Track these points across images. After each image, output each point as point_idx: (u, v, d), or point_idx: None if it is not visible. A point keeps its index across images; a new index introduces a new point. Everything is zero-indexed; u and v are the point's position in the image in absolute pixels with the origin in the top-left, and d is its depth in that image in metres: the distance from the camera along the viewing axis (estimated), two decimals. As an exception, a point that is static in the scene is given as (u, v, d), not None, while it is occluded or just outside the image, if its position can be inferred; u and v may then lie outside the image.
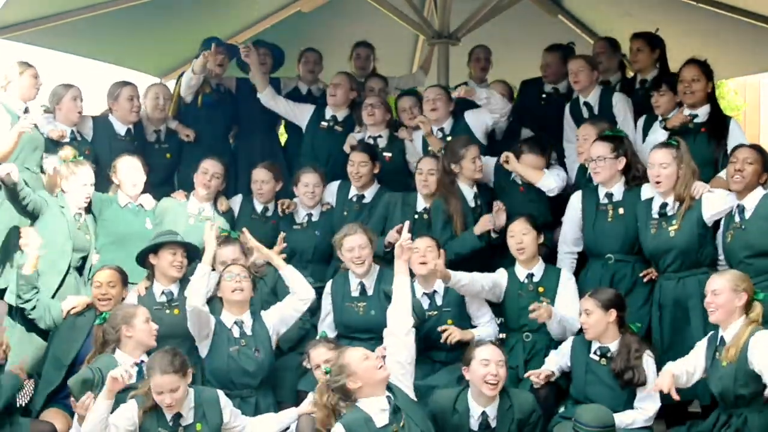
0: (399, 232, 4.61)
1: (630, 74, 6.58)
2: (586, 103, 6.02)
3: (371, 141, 6.20)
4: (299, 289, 4.93)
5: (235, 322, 4.86)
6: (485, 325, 5.08)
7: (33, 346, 5.13)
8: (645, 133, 5.73)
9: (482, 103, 5.92)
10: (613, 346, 4.61)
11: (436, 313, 5.04)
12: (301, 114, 6.52)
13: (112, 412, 4.16)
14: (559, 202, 5.56)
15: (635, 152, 5.31)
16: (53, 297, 5.15)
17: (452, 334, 4.93)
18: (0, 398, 4.33)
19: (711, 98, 5.48)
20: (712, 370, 4.37)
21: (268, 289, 5.34)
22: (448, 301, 5.05)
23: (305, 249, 5.73)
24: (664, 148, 4.93)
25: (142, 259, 5.12)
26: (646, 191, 5.07)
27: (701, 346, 4.47)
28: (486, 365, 4.28)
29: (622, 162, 5.16)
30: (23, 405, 4.78)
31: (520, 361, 4.92)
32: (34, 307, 5.00)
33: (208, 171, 5.78)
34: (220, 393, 4.43)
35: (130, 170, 5.63)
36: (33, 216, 5.33)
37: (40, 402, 4.77)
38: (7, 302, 5.25)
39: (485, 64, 7.19)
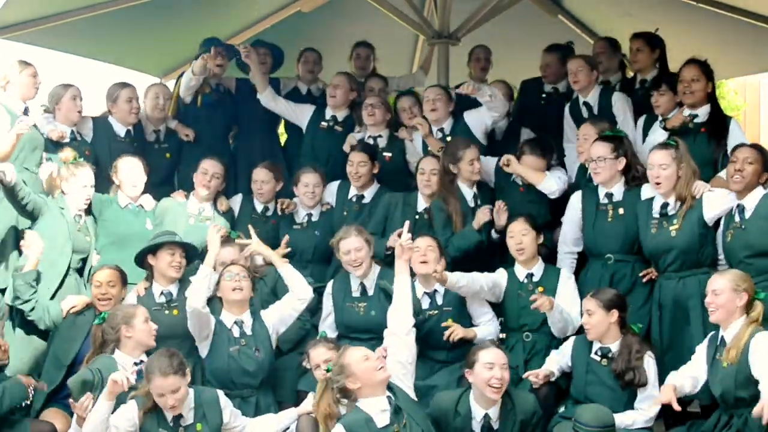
0: (400, 236, 4.60)
1: (630, 74, 6.58)
2: (585, 103, 6.02)
3: (371, 141, 6.20)
4: (298, 288, 4.94)
5: (235, 322, 4.86)
6: (486, 324, 5.09)
7: (33, 347, 5.13)
8: (645, 133, 5.73)
9: (485, 100, 5.91)
10: (615, 346, 4.61)
11: (436, 312, 5.04)
12: (301, 114, 6.52)
13: (112, 413, 4.17)
14: (559, 202, 5.55)
15: (635, 152, 5.31)
16: (52, 298, 5.15)
17: (455, 331, 4.93)
18: (2, 405, 4.34)
19: (711, 98, 5.48)
20: (712, 370, 4.37)
21: (268, 289, 5.34)
22: (449, 301, 5.05)
23: (305, 249, 5.73)
24: (663, 149, 4.92)
25: (141, 259, 5.12)
26: (647, 191, 5.07)
27: (702, 349, 4.47)
28: (490, 369, 4.27)
29: (622, 162, 5.16)
30: (26, 405, 4.77)
31: (520, 361, 4.92)
32: (33, 308, 5.00)
33: (208, 171, 5.77)
34: (220, 393, 4.43)
35: (131, 171, 5.63)
36: (33, 216, 5.33)
37: (40, 402, 4.76)
38: (6, 303, 5.25)
39: (485, 64, 7.19)
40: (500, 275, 5.14)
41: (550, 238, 5.48)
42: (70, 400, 4.38)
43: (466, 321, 5.06)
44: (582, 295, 4.97)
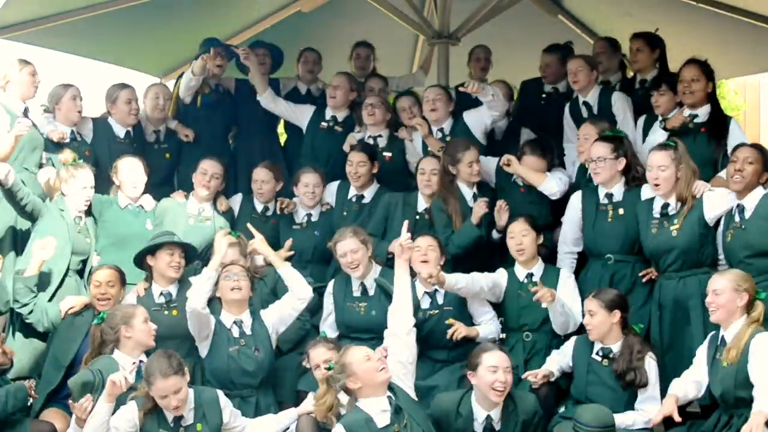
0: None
1: (630, 74, 6.58)
2: (585, 103, 6.02)
3: (371, 141, 6.20)
4: (297, 288, 4.94)
5: (235, 322, 4.86)
6: (487, 323, 5.09)
7: (32, 347, 5.13)
8: (645, 133, 5.73)
9: (488, 100, 5.91)
10: (616, 347, 4.61)
11: (437, 311, 5.04)
12: (301, 115, 6.52)
13: (112, 415, 4.16)
14: (559, 202, 5.55)
15: (635, 153, 5.31)
16: (51, 299, 5.14)
17: (458, 330, 4.93)
18: (6, 408, 4.34)
19: (711, 98, 5.47)
20: (712, 370, 4.37)
21: (268, 290, 5.34)
22: (450, 300, 5.05)
23: (305, 249, 5.73)
24: (662, 151, 4.91)
25: (141, 260, 5.11)
26: (647, 191, 5.06)
27: (702, 351, 4.47)
28: (494, 372, 4.26)
29: (622, 162, 5.15)
30: (26, 405, 4.78)
31: (520, 361, 4.92)
32: (32, 311, 5.01)
33: (207, 172, 5.77)
34: (220, 393, 4.43)
35: (131, 171, 5.62)
36: (32, 218, 5.34)
37: (40, 402, 4.76)
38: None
39: (485, 64, 7.19)
40: (500, 275, 5.14)
41: (550, 238, 5.48)
42: (70, 401, 4.38)
43: (467, 320, 5.06)
44: (582, 296, 4.98)
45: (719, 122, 5.41)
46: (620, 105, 5.90)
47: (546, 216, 5.57)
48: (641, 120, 5.82)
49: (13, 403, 4.35)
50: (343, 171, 5.98)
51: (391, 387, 4.15)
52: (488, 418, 4.32)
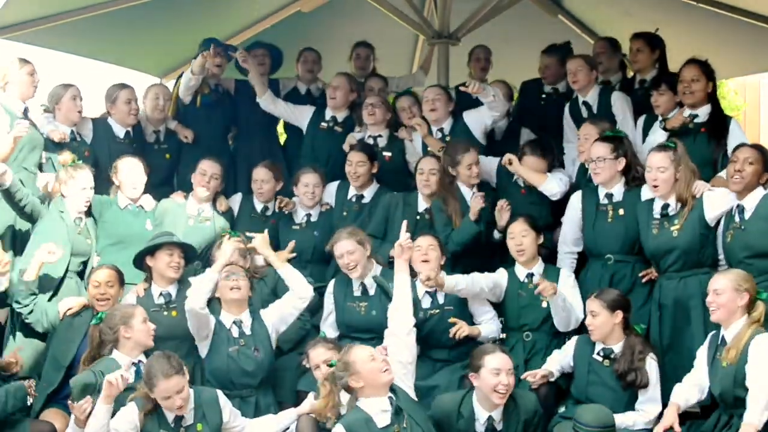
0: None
1: (630, 74, 6.58)
2: (585, 103, 6.02)
3: (371, 141, 6.20)
4: (298, 287, 4.93)
5: (234, 322, 4.86)
6: (488, 323, 5.09)
7: (32, 348, 5.12)
8: (645, 133, 5.73)
9: (488, 101, 5.91)
10: (617, 347, 4.61)
11: (438, 311, 5.05)
12: (301, 115, 6.52)
13: (112, 416, 4.16)
14: (559, 202, 5.55)
15: (635, 153, 5.31)
16: (50, 300, 5.13)
17: (461, 328, 4.93)
18: (6, 408, 4.34)
19: (712, 98, 5.47)
20: (712, 370, 4.37)
21: (268, 290, 5.34)
22: (451, 300, 5.05)
23: (304, 249, 5.71)
24: (661, 152, 4.91)
25: (140, 261, 5.11)
26: (647, 192, 5.05)
27: (702, 353, 4.47)
28: (497, 374, 4.25)
29: (621, 163, 5.15)
30: (26, 405, 4.78)
31: (520, 361, 4.92)
32: (31, 311, 5.00)
33: (207, 172, 5.77)
34: (219, 393, 4.43)
35: (131, 172, 5.62)
36: (32, 219, 5.33)
37: (40, 402, 4.76)
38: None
39: (485, 64, 7.19)
40: (500, 275, 5.14)
41: (550, 238, 5.48)
42: (69, 401, 4.37)
43: (468, 320, 5.06)
44: (582, 296, 4.99)
45: (719, 122, 5.40)
46: (620, 105, 5.90)
47: (546, 216, 5.57)
48: (641, 120, 5.82)
49: (12, 402, 4.36)
50: (342, 171, 5.97)
51: (392, 387, 4.15)
52: (490, 418, 4.32)
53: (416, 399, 4.29)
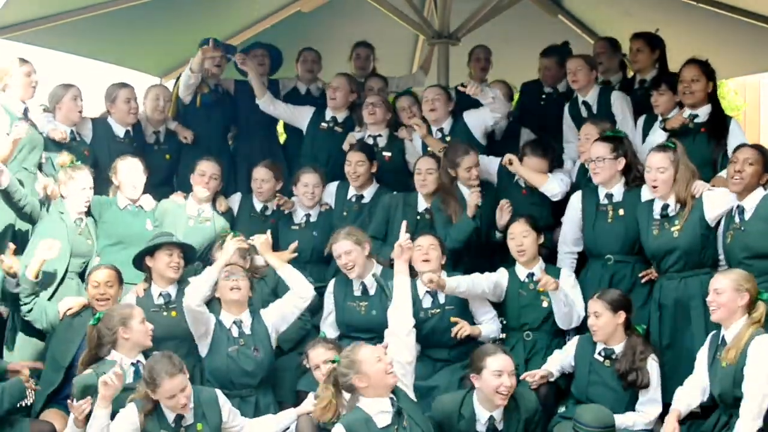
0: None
1: (630, 74, 6.58)
2: (584, 103, 6.02)
3: (371, 140, 6.20)
4: (298, 287, 4.94)
5: (234, 322, 4.86)
6: (488, 323, 5.10)
7: (32, 348, 5.12)
8: (645, 133, 5.73)
9: (488, 102, 5.91)
10: (618, 347, 4.61)
11: (439, 311, 5.05)
12: (301, 116, 6.52)
13: (112, 418, 4.16)
14: (559, 202, 5.55)
15: (635, 153, 5.31)
16: (50, 300, 5.13)
17: (463, 328, 4.93)
18: (3, 405, 4.33)
19: (712, 98, 5.47)
20: (711, 370, 4.37)
21: (268, 290, 5.34)
22: (451, 299, 5.05)
23: (303, 250, 5.70)
24: (661, 152, 4.91)
25: (140, 261, 5.11)
26: (647, 192, 5.05)
27: (703, 354, 4.46)
28: (499, 376, 4.25)
29: (621, 163, 5.15)
30: (26, 405, 4.78)
31: (520, 360, 4.92)
32: (31, 310, 5.00)
33: (206, 173, 5.76)
34: (219, 392, 4.43)
35: (130, 172, 5.61)
36: (31, 220, 5.33)
37: (40, 402, 4.76)
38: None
39: (485, 64, 7.19)
40: (501, 275, 5.14)
41: (550, 238, 5.48)
42: (69, 401, 4.37)
43: (468, 320, 5.06)
44: (582, 296, 4.99)
45: (719, 122, 5.40)
46: (619, 104, 5.90)
47: (547, 217, 5.57)
48: (641, 120, 5.82)
49: (9, 399, 4.35)
50: (342, 172, 5.97)
51: (393, 389, 4.15)
52: (491, 418, 4.32)
53: (415, 399, 4.28)
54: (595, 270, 5.19)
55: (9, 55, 5.87)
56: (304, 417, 4.47)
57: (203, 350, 4.86)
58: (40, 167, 5.68)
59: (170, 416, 4.20)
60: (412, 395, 4.25)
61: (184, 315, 4.82)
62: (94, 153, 5.93)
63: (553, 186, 5.52)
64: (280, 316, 4.95)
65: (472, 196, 5.38)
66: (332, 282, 5.30)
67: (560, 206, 5.51)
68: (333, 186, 6.01)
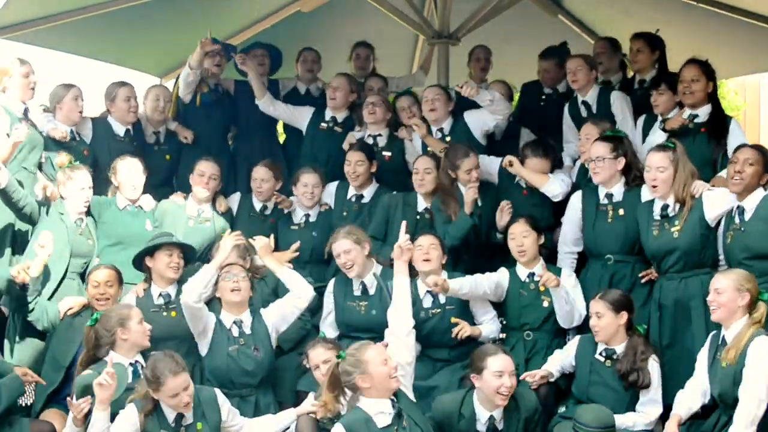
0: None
1: (630, 74, 6.58)
2: (584, 102, 6.03)
3: (371, 140, 6.20)
4: (298, 288, 4.93)
5: (234, 322, 4.86)
6: (488, 323, 5.10)
7: (33, 348, 5.12)
8: (645, 133, 5.73)
9: (485, 105, 5.90)
10: (620, 348, 4.61)
11: (439, 310, 5.05)
12: (300, 116, 6.52)
13: (112, 420, 4.16)
14: (560, 202, 5.55)
15: (635, 153, 5.31)
16: (50, 300, 5.12)
17: (463, 329, 4.93)
18: (1, 401, 4.33)
19: (712, 98, 5.46)
20: (711, 370, 4.37)
21: (269, 290, 5.34)
22: (452, 299, 5.04)
23: (302, 250, 5.70)
24: (660, 152, 4.91)
25: (140, 261, 5.10)
26: (646, 192, 5.05)
27: (703, 356, 4.46)
28: (500, 377, 4.25)
29: (621, 162, 5.15)
30: (26, 405, 4.78)
31: (520, 360, 4.92)
32: (32, 309, 4.99)
33: (205, 173, 5.75)
34: (218, 391, 4.42)
35: (129, 172, 5.61)
36: (31, 221, 5.32)
37: (40, 402, 4.76)
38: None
39: (485, 64, 7.19)
40: (502, 275, 5.15)
41: (550, 238, 5.48)
42: (68, 399, 4.36)
43: (469, 319, 5.06)
44: (582, 295, 4.99)
45: (719, 122, 5.40)
46: (619, 104, 5.90)
47: (548, 218, 5.57)
48: (641, 120, 5.83)
49: (8, 394, 4.34)
50: (342, 171, 5.97)
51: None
52: (491, 418, 4.32)
53: (414, 399, 4.28)
54: (595, 270, 5.19)
55: (9, 55, 5.87)
56: (304, 417, 4.47)
57: (203, 349, 4.86)
58: (40, 167, 5.67)
59: (170, 416, 4.20)
60: (411, 395, 4.25)
61: (184, 315, 4.82)
62: (93, 153, 5.92)
63: (554, 187, 5.52)
64: (280, 316, 4.94)
65: (468, 192, 5.38)
66: (332, 282, 5.30)
67: (560, 207, 5.51)
68: (333, 186, 6.01)
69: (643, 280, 5.07)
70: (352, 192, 5.95)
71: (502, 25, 7.33)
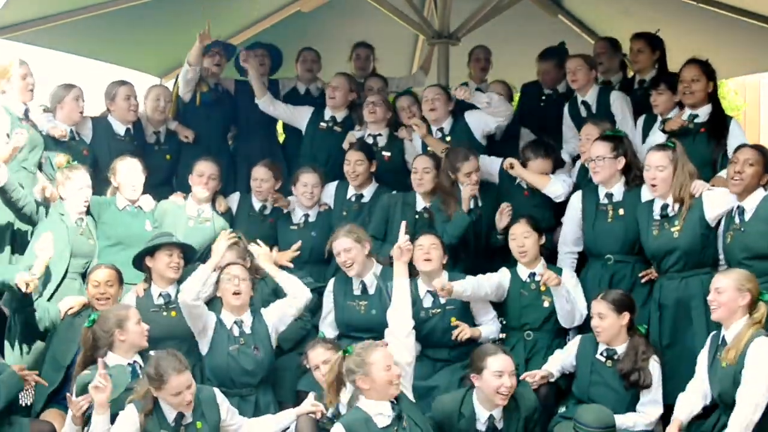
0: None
1: (630, 74, 6.58)
2: (584, 102, 6.03)
3: (371, 140, 6.19)
4: (294, 291, 4.95)
5: (235, 322, 4.86)
6: (488, 323, 5.10)
7: (33, 348, 5.11)
8: (645, 133, 5.73)
9: (482, 107, 5.90)
10: (621, 348, 4.61)
11: (439, 310, 5.04)
12: (300, 116, 6.52)
13: (112, 421, 4.16)
14: (560, 203, 5.54)
15: (635, 152, 5.31)
16: (50, 300, 5.12)
17: (463, 331, 4.93)
18: (0, 397, 4.33)
19: (712, 98, 5.46)
20: (711, 370, 4.37)
21: (269, 290, 5.33)
22: (452, 299, 5.03)
23: (302, 249, 5.70)
24: (660, 151, 4.91)
25: (140, 262, 5.10)
26: (646, 192, 5.05)
27: (703, 356, 4.46)
28: (500, 377, 4.25)
29: (621, 162, 5.15)
30: (27, 404, 4.78)
31: (521, 360, 4.92)
32: (35, 309, 4.99)
33: (204, 173, 5.75)
34: (217, 391, 4.42)
35: (129, 172, 5.60)
36: (31, 221, 5.32)
37: (40, 402, 4.76)
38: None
39: (485, 64, 7.20)
40: (503, 275, 5.15)
41: (551, 238, 5.47)
42: (68, 395, 4.36)
43: (469, 320, 5.06)
44: (583, 295, 4.99)
45: (719, 122, 5.40)
46: (619, 104, 5.90)
47: (549, 219, 5.57)
48: (641, 120, 5.83)
49: (7, 391, 4.34)
50: (342, 171, 5.97)
51: (395, 393, 4.15)
52: (491, 417, 4.32)
53: (414, 400, 4.28)
54: (595, 270, 5.19)
55: (9, 55, 5.86)
56: (304, 417, 4.47)
57: (203, 348, 4.86)
58: (39, 167, 5.67)
59: (170, 416, 4.20)
60: (411, 396, 4.25)
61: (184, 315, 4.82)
62: (93, 152, 5.92)
63: (556, 188, 5.52)
64: (279, 316, 4.95)
65: (465, 189, 5.38)
66: (332, 281, 5.30)
67: (561, 207, 5.51)
68: (332, 186, 6.00)
69: (643, 280, 5.07)
70: (351, 192, 5.94)
71: (502, 25, 7.33)
